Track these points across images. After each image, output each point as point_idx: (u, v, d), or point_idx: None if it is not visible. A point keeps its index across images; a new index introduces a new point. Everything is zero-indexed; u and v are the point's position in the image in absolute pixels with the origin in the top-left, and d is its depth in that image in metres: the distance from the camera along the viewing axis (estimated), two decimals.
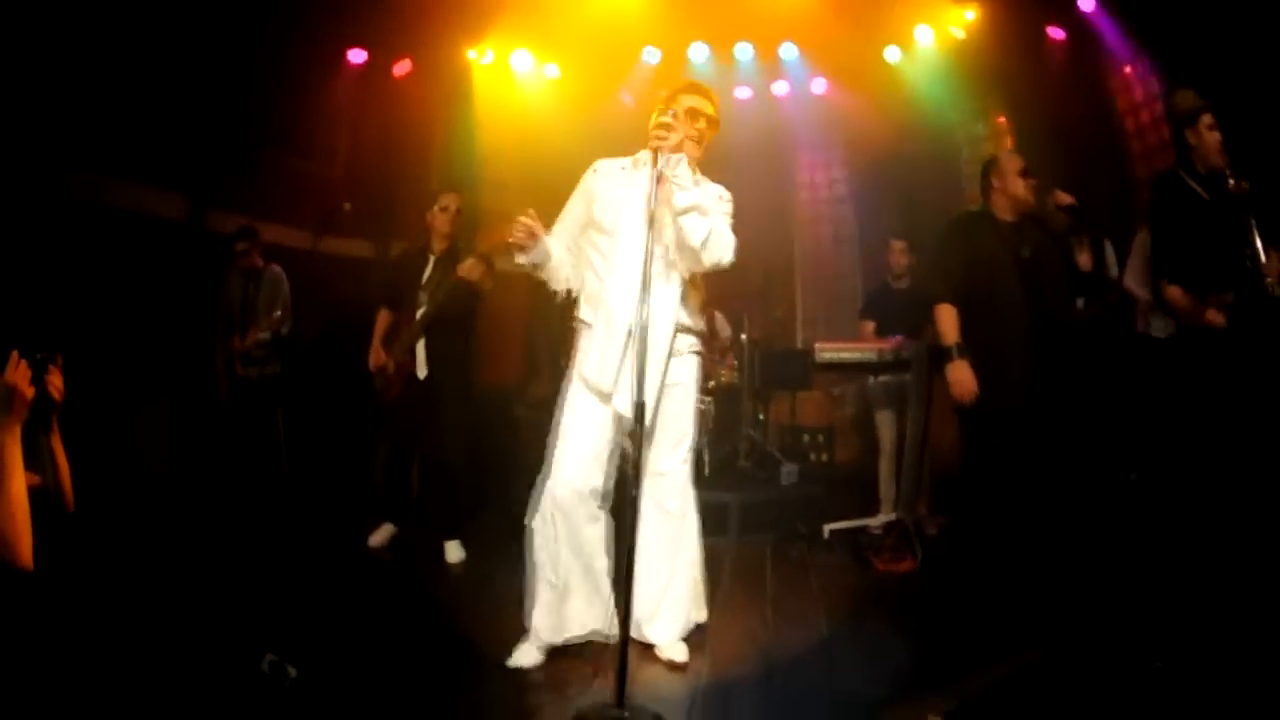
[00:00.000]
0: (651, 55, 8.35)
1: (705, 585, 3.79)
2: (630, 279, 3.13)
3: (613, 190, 3.39)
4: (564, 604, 3.36)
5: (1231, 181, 3.47)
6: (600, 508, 3.36)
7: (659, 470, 3.50)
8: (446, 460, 5.08)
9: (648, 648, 3.52)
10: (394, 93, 7.80)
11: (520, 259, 3.36)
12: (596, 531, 3.36)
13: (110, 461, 5.34)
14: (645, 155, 3.27)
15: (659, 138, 3.05)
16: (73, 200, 5.63)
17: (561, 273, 3.47)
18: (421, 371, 5.00)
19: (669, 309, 3.33)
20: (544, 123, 7.97)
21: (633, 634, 3.19)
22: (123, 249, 5.89)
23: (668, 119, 3.10)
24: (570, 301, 3.55)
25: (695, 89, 3.45)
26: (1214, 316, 3.52)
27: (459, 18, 7.28)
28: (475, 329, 5.22)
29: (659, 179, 3.05)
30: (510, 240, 3.28)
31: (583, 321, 3.43)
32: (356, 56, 7.54)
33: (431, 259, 5.05)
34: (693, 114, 3.38)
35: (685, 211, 3.13)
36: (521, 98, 8.37)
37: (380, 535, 5.23)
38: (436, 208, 5.07)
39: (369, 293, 5.55)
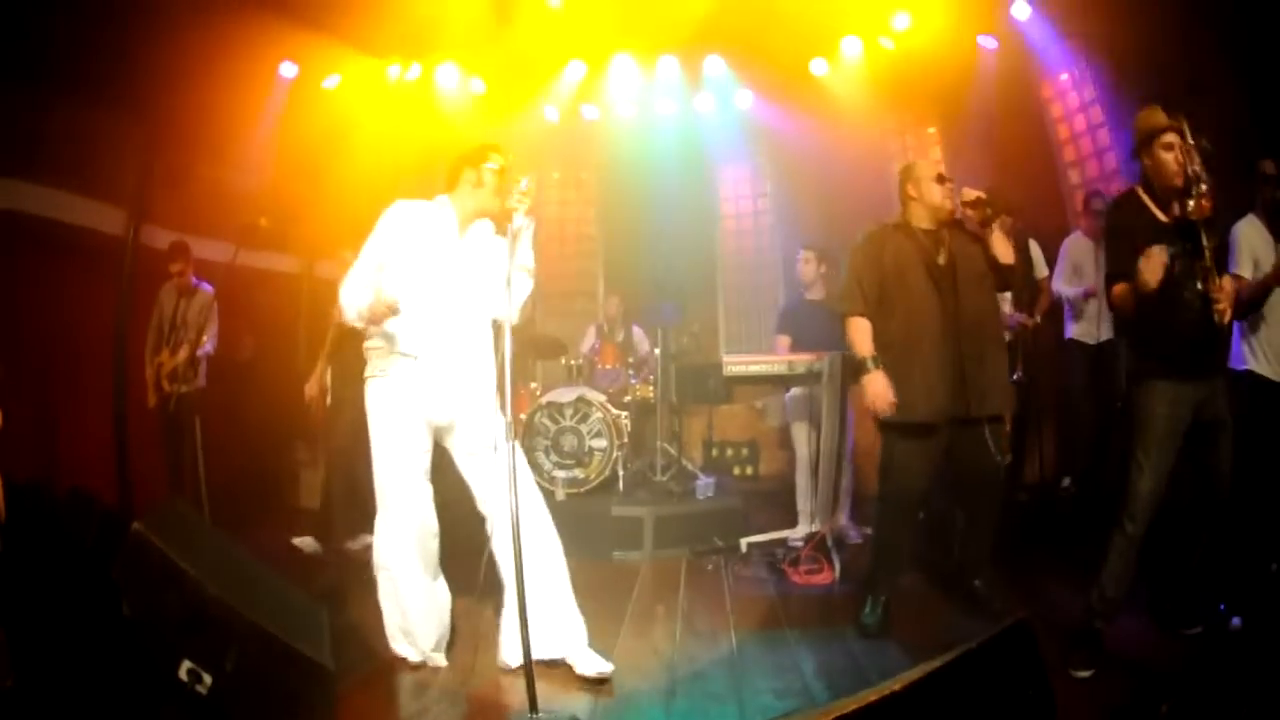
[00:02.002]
0: (576, 69, 8.31)
1: None
2: (458, 319, 3.51)
3: (418, 232, 3.52)
4: (413, 625, 3.54)
5: (1191, 203, 3.32)
6: (433, 535, 3.57)
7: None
8: (349, 471, 5.40)
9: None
10: (322, 106, 7.64)
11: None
12: (431, 555, 3.58)
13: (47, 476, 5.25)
14: (442, 204, 3.60)
15: (520, 202, 3.32)
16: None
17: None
18: (328, 395, 5.53)
19: (488, 343, 3.61)
20: (469, 137, 7.86)
21: (564, 656, 3.44)
22: (58, 261, 5.72)
23: (526, 188, 3.33)
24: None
25: (500, 149, 3.65)
26: (1144, 267, 3.27)
27: (387, 32, 7.17)
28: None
29: (515, 235, 3.31)
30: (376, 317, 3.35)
31: (400, 354, 3.49)
32: (288, 70, 7.37)
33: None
34: (504, 172, 3.57)
35: (523, 269, 3.50)
36: (447, 112, 8.24)
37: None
38: (346, 255, 5.33)
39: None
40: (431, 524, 3.53)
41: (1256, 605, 3.69)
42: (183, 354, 5.83)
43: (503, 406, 3.22)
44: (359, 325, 3.44)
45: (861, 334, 4.02)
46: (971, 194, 3.92)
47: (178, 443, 5.92)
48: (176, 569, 2.88)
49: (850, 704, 1.73)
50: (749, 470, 8.35)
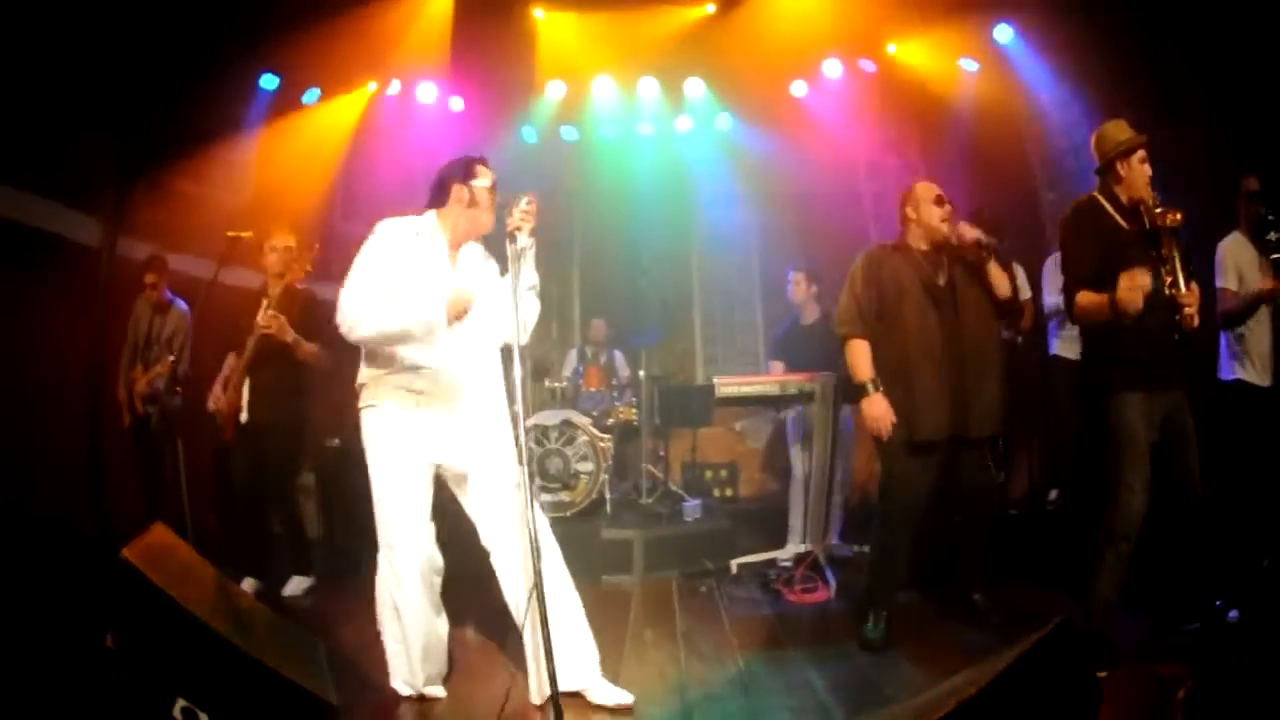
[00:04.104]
0: (556, 90, 8.30)
1: None
2: (464, 350, 3.34)
3: (412, 256, 3.34)
4: (417, 659, 3.38)
5: (1159, 210, 3.47)
6: (438, 571, 3.42)
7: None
8: (283, 499, 5.26)
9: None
10: (302, 121, 7.57)
11: None
12: (435, 591, 3.43)
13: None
14: (431, 223, 3.41)
15: (524, 221, 3.22)
16: None
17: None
18: (244, 415, 4.99)
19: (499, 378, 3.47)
20: (446, 155, 7.77)
21: (580, 688, 3.29)
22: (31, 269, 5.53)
23: (528, 207, 3.23)
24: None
25: (485, 162, 3.50)
26: (1127, 293, 3.30)
27: (366, 48, 7.12)
28: (301, 367, 5.06)
29: (519, 255, 3.24)
30: None
31: (402, 387, 3.32)
32: (269, 84, 7.27)
33: (265, 301, 4.96)
34: (495, 188, 3.45)
35: (531, 288, 3.37)
36: (425, 129, 8.20)
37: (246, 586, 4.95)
38: (267, 246, 5.03)
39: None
40: (437, 560, 3.39)
41: (1250, 599, 3.84)
42: (158, 371, 5.63)
43: (516, 434, 3.17)
44: (373, 342, 3.29)
45: (861, 357, 4.04)
46: (970, 234, 3.95)
47: (155, 465, 5.69)
48: (169, 603, 2.73)
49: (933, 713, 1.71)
50: (728, 491, 8.31)
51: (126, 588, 2.74)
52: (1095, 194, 3.69)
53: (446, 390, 3.31)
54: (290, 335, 4.79)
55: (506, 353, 3.33)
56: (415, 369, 3.29)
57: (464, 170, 3.41)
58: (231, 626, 2.87)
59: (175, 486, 5.35)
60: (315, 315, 4.92)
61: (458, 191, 3.39)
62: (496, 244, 3.48)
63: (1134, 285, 3.30)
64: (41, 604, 3.83)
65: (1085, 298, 3.53)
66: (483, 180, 3.39)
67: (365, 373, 3.39)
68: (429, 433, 3.31)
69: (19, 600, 3.88)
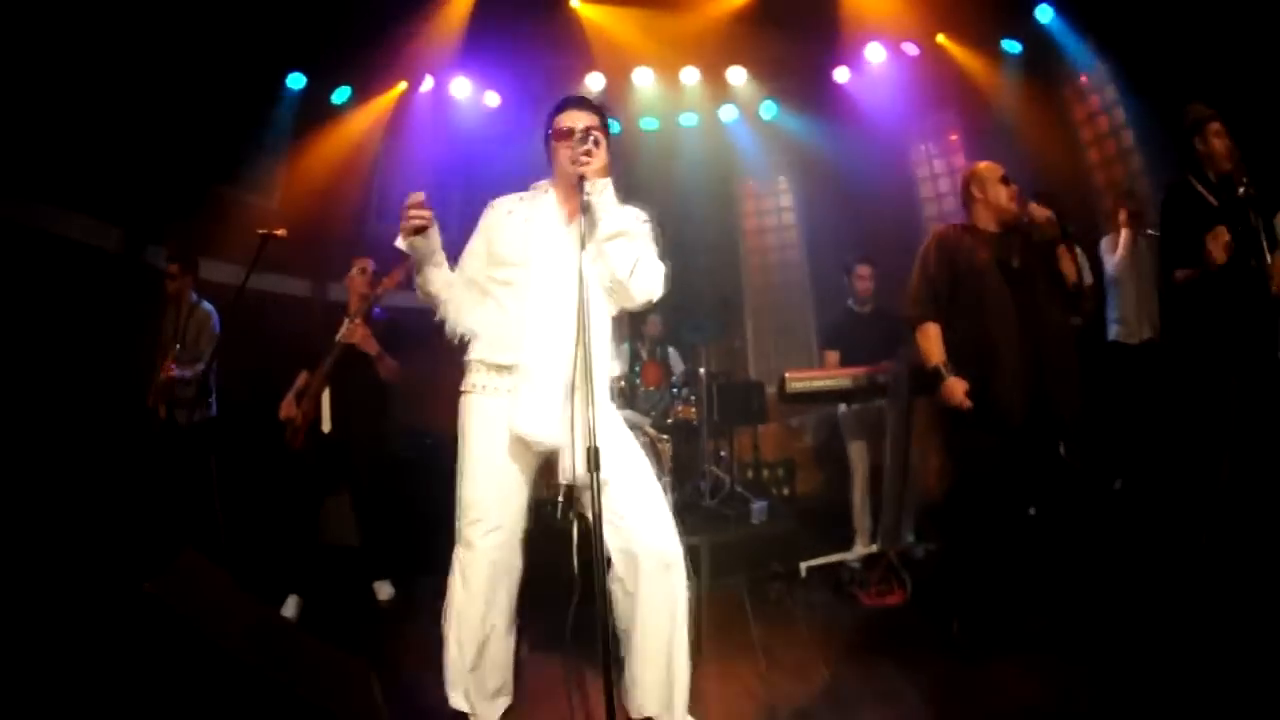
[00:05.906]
0: (595, 81, 8.15)
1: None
2: (555, 318, 2.94)
3: (511, 224, 3.12)
4: (468, 670, 3.05)
5: (1240, 189, 3.64)
6: (517, 580, 3.10)
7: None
8: (366, 507, 5.14)
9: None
10: (333, 121, 7.50)
11: (403, 244, 3.03)
12: (510, 598, 3.10)
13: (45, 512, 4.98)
14: (545, 184, 3.17)
15: (583, 161, 2.86)
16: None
17: (452, 308, 3.18)
18: (326, 425, 5.00)
19: (605, 348, 3.06)
20: (483, 152, 7.66)
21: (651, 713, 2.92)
22: (54, 278, 5.46)
23: (589, 144, 2.89)
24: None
25: (582, 103, 3.16)
26: (1211, 246, 3.68)
27: (397, 44, 7.02)
28: (379, 379, 5.02)
29: (586, 207, 2.87)
30: (403, 224, 3.00)
31: (497, 365, 3.05)
32: (295, 83, 7.18)
33: (346, 321, 4.99)
34: (589, 131, 3.05)
35: (612, 238, 2.94)
36: (461, 126, 8.08)
37: (289, 607, 4.82)
38: (354, 271, 5.11)
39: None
40: (515, 566, 3.06)
41: None
42: (168, 371, 5.39)
43: (584, 422, 2.71)
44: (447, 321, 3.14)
45: (933, 341, 3.92)
46: (1042, 213, 3.84)
47: (187, 478, 5.33)
48: (205, 641, 2.46)
49: None
50: (785, 490, 8.09)
51: (152, 622, 2.47)
52: (1188, 175, 3.88)
53: (553, 370, 2.92)
54: (375, 347, 4.85)
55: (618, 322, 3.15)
56: (517, 347, 2.97)
57: (546, 125, 3.14)
58: (272, 659, 2.60)
59: (205, 501, 5.20)
60: (396, 331, 5.03)
61: (549, 150, 3.13)
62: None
63: (1216, 239, 3.66)
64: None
65: (1180, 274, 3.83)
66: (559, 125, 3.07)
67: (470, 354, 3.13)
68: (533, 420, 2.90)
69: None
